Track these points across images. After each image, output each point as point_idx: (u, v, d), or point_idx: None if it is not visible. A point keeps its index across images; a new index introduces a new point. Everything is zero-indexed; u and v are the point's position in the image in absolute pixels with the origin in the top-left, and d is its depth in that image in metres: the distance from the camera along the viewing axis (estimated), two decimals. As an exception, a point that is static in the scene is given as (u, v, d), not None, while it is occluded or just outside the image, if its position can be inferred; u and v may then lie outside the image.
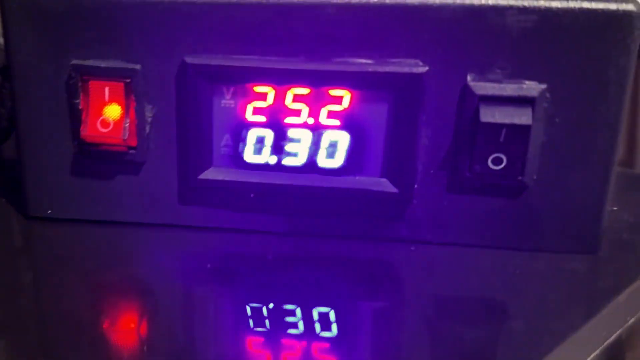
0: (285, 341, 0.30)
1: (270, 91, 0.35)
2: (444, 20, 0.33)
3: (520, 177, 0.35)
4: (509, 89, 0.33)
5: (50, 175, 0.38)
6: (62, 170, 0.38)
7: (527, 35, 0.33)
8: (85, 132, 0.36)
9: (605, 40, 0.32)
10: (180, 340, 0.31)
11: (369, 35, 0.34)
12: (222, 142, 0.36)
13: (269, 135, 0.36)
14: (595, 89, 0.33)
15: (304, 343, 0.30)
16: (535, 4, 0.32)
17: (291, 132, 0.36)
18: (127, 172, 0.37)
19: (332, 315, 0.32)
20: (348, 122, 0.35)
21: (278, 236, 0.38)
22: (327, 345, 0.30)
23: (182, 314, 0.33)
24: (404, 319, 0.33)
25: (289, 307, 0.33)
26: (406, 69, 0.34)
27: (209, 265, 0.36)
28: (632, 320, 0.34)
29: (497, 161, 0.34)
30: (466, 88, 0.34)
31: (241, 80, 0.35)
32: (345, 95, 0.35)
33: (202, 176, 0.37)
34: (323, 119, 0.35)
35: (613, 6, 0.32)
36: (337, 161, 0.36)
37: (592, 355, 0.32)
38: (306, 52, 0.34)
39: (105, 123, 0.36)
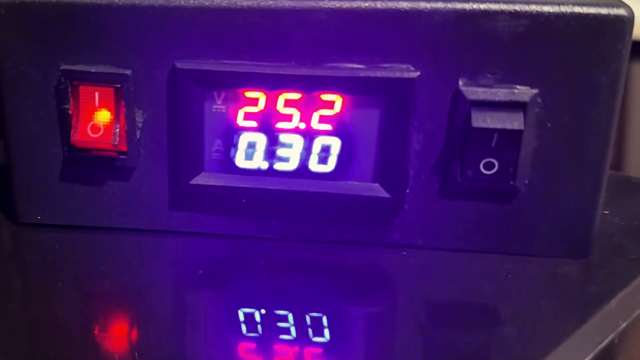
0: (277, 347, 0.30)
1: (261, 96, 0.35)
2: (435, 25, 0.33)
3: (512, 182, 0.35)
4: (500, 93, 0.33)
5: (39, 181, 0.38)
6: (51, 176, 0.37)
7: (519, 40, 0.33)
8: (75, 138, 0.36)
9: (597, 45, 0.32)
10: (172, 346, 0.31)
11: (360, 40, 0.34)
12: (213, 147, 0.36)
13: (260, 140, 0.36)
14: (587, 93, 0.33)
15: (296, 349, 0.30)
16: (527, 8, 0.32)
17: (283, 137, 0.36)
18: (118, 177, 0.37)
19: (324, 321, 0.32)
20: (340, 127, 0.35)
21: (270, 242, 0.38)
22: (319, 350, 0.30)
23: (173, 320, 0.33)
24: (396, 324, 0.33)
25: (281, 312, 0.33)
26: (398, 74, 0.34)
27: (200, 272, 0.36)
28: (624, 325, 0.34)
29: (488, 166, 0.34)
30: (458, 93, 0.34)
31: (232, 85, 0.35)
32: (337, 100, 0.35)
33: (193, 181, 0.36)
34: (315, 124, 0.35)
35: (604, 11, 0.32)
36: (329, 166, 0.36)
37: None
38: (297, 57, 0.34)
39: (95, 128, 0.36)
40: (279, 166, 0.36)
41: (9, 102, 0.36)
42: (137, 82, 0.35)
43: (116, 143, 0.36)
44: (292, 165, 0.36)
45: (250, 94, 0.35)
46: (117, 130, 0.35)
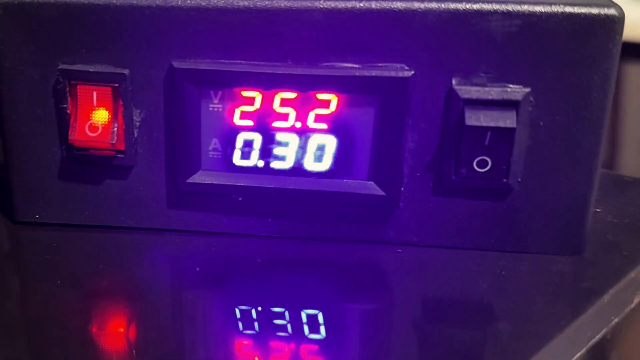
0: (274, 344, 0.31)
1: (257, 95, 0.35)
2: (429, 25, 0.33)
3: (505, 180, 0.35)
4: (493, 92, 0.34)
5: (38, 179, 0.38)
6: (49, 175, 0.37)
7: (511, 40, 0.33)
8: (74, 137, 0.36)
9: (588, 44, 0.33)
10: (170, 343, 0.31)
11: (355, 39, 0.34)
12: (210, 146, 0.36)
13: (257, 139, 0.36)
14: (578, 92, 0.33)
15: (292, 345, 0.30)
16: (519, 8, 0.33)
17: (279, 136, 0.36)
18: (116, 176, 0.37)
19: (320, 318, 0.32)
20: (335, 125, 0.35)
21: (267, 239, 0.38)
22: (315, 347, 0.31)
23: (171, 317, 0.33)
24: (391, 321, 0.33)
25: (277, 310, 0.33)
26: (392, 73, 0.34)
27: (198, 269, 0.36)
28: (616, 320, 0.34)
29: (482, 164, 0.34)
30: (451, 92, 0.34)
31: (229, 84, 0.35)
32: (332, 99, 0.35)
33: (190, 180, 0.37)
34: (310, 123, 0.35)
35: (595, 11, 0.32)
36: (325, 164, 0.36)
37: (578, 355, 0.32)
38: (293, 56, 0.34)
39: (93, 127, 0.36)
40: (275, 164, 0.36)
41: (7, 102, 0.36)
42: (134, 81, 0.35)
43: (114, 142, 0.36)
44: (288, 163, 0.36)
45: (246, 93, 0.35)
46: (115, 129, 0.36)
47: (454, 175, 0.35)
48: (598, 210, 0.40)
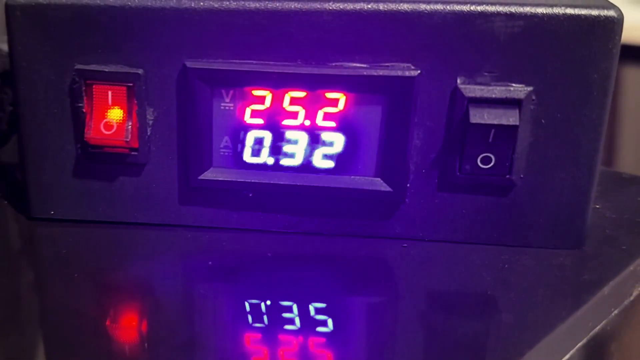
0: (282, 336, 0.31)
1: (268, 94, 0.36)
2: (434, 26, 0.34)
3: (508, 176, 0.35)
4: (497, 91, 0.34)
5: (52, 177, 0.38)
6: (64, 172, 0.38)
7: (514, 40, 0.33)
8: (89, 135, 0.36)
9: (588, 44, 0.33)
10: (184, 335, 0.31)
11: (363, 40, 0.34)
12: (221, 143, 0.37)
13: (267, 136, 0.36)
14: (579, 91, 0.34)
15: (301, 338, 0.31)
16: (522, 10, 0.33)
17: (288, 134, 0.36)
18: (129, 173, 0.38)
19: (328, 310, 0.33)
20: (343, 123, 0.36)
21: (276, 234, 0.38)
22: (324, 339, 0.31)
23: (185, 309, 0.33)
24: (398, 313, 0.33)
25: (286, 303, 0.33)
26: (399, 73, 0.34)
27: (210, 263, 0.36)
28: (616, 312, 0.35)
29: (486, 160, 0.35)
30: (456, 90, 0.34)
31: (240, 83, 0.35)
32: (341, 97, 0.35)
33: (202, 176, 0.37)
34: (319, 121, 0.36)
35: (595, 12, 0.33)
36: (333, 161, 0.36)
37: (579, 345, 0.32)
38: (303, 56, 0.35)
39: (108, 126, 0.36)
40: (284, 162, 0.37)
41: (24, 101, 0.37)
42: (148, 81, 0.36)
43: (128, 140, 0.36)
44: (297, 160, 0.36)
45: (257, 92, 0.36)
46: (129, 127, 0.36)
47: (458, 171, 0.35)
48: (597, 206, 0.40)
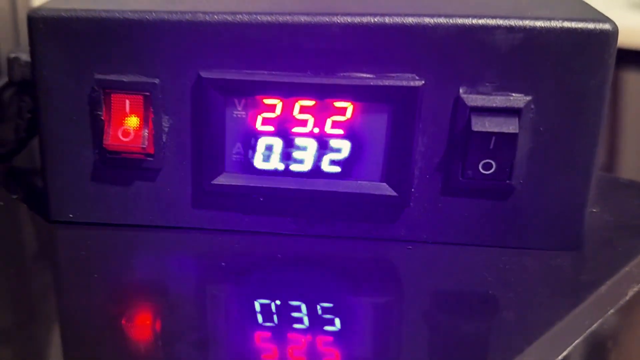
0: (291, 335, 0.31)
1: (278, 103, 0.36)
2: (438, 39, 0.34)
3: (508, 181, 0.36)
4: (497, 100, 0.35)
5: (72, 181, 0.39)
6: (83, 177, 0.39)
7: (514, 52, 0.34)
8: (107, 142, 0.37)
9: (585, 56, 0.34)
10: (200, 333, 0.32)
11: (370, 52, 0.35)
12: (233, 149, 0.37)
13: (277, 143, 0.37)
14: (576, 100, 0.34)
15: (309, 337, 0.31)
16: (521, 23, 0.34)
17: (298, 141, 0.37)
18: (145, 178, 0.38)
19: (336, 310, 0.33)
20: (351, 131, 0.36)
21: (286, 237, 0.39)
22: (332, 338, 0.31)
23: (199, 308, 0.34)
24: (403, 312, 0.34)
25: (295, 303, 0.33)
26: (404, 83, 0.35)
27: (223, 264, 0.37)
28: (612, 310, 0.35)
29: (487, 166, 0.35)
30: (459, 100, 0.35)
31: (252, 92, 0.36)
32: (348, 106, 0.36)
33: (215, 181, 0.37)
34: (328, 129, 0.36)
35: (591, 25, 0.33)
36: (341, 167, 0.37)
37: (576, 342, 0.33)
38: (312, 67, 0.35)
39: (125, 133, 0.37)
40: (294, 167, 0.37)
41: (46, 108, 0.37)
42: (164, 90, 0.36)
43: (145, 146, 0.37)
44: (306, 166, 0.37)
45: (268, 101, 0.36)
46: (146, 134, 0.37)
47: (461, 176, 0.36)
48: (595, 210, 0.41)
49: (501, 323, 0.33)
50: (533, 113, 0.35)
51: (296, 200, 0.38)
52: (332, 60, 0.35)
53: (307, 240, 0.39)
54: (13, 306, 0.34)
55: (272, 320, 0.32)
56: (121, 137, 0.37)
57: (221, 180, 0.38)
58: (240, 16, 0.35)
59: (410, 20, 0.34)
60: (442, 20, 0.34)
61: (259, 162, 0.37)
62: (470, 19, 0.34)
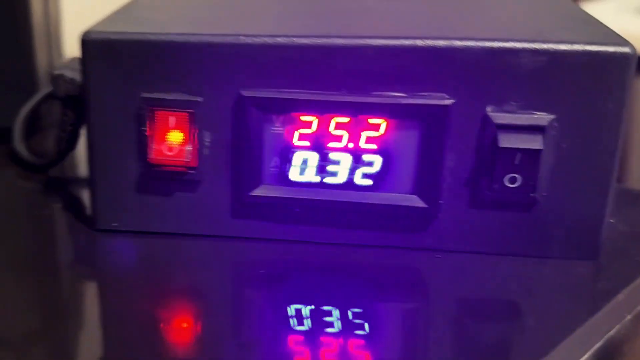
0: (324, 338, 0.32)
1: (314, 119, 0.37)
2: (467, 60, 0.35)
3: (532, 194, 0.36)
4: (522, 118, 0.36)
5: (117, 192, 0.40)
6: (128, 188, 0.40)
7: (538, 73, 0.35)
8: (152, 156, 0.38)
9: (605, 77, 0.35)
10: (240, 336, 0.33)
11: (402, 72, 0.36)
12: (271, 163, 0.38)
13: (312, 157, 0.38)
14: (596, 118, 0.35)
15: (341, 340, 0.32)
16: (545, 46, 0.35)
17: (332, 155, 0.38)
18: (187, 189, 0.39)
19: (369, 316, 0.34)
20: (383, 146, 0.37)
21: (320, 245, 0.39)
22: (363, 342, 0.32)
23: (241, 313, 0.35)
24: (431, 316, 0.35)
25: (327, 308, 0.34)
26: (434, 102, 0.36)
27: (262, 271, 0.38)
28: (629, 317, 0.36)
29: (512, 180, 0.36)
30: (486, 118, 0.36)
31: (289, 110, 0.37)
32: (382, 123, 0.37)
33: (252, 193, 0.38)
34: (362, 144, 0.37)
35: (611, 49, 0.35)
36: (373, 180, 0.38)
37: (595, 347, 0.33)
38: (347, 86, 0.36)
39: (169, 147, 0.38)
40: (328, 180, 0.38)
41: (94, 125, 0.39)
42: (207, 107, 0.37)
43: (188, 160, 0.38)
44: (340, 179, 0.38)
45: (305, 118, 0.37)
46: (189, 148, 0.38)
47: (487, 189, 0.37)
48: (611, 220, 0.41)
49: (523, 328, 0.33)
50: (556, 131, 0.36)
51: (330, 211, 0.39)
52: (366, 79, 0.36)
53: (340, 248, 0.39)
54: (59, 311, 0.36)
55: (306, 325, 0.33)
56: (165, 152, 0.38)
57: (259, 192, 0.39)
58: (280, 39, 0.36)
59: (441, 43, 0.35)
60: (471, 43, 0.35)
61: (295, 175, 0.38)
62: (497, 42, 0.35)
